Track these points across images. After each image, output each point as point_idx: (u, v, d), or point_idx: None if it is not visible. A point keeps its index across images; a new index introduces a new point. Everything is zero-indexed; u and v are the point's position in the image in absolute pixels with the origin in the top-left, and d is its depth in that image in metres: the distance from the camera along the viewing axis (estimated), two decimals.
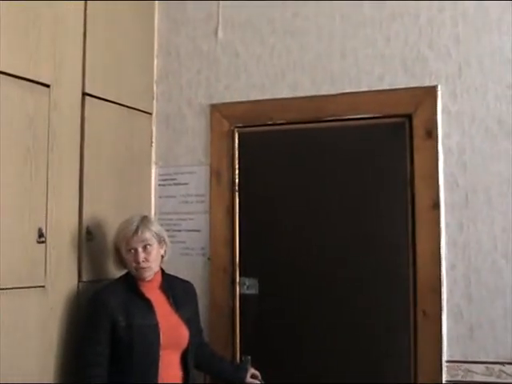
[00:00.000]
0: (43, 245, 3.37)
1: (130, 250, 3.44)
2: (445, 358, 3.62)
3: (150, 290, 3.48)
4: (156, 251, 3.48)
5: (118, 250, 3.53)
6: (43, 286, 3.37)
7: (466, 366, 3.58)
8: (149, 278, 3.48)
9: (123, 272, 3.57)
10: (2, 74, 3.17)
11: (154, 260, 3.47)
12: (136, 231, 3.43)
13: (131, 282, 3.48)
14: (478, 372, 3.56)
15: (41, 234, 3.35)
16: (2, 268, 3.13)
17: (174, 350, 3.44)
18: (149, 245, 3.45)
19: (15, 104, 3.25)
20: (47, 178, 3.41)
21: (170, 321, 3.44)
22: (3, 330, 3.13)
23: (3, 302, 3.14)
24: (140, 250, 3.43)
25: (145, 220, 3.50)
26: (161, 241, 3.53)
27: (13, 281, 3.20)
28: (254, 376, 3.74)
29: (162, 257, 3.55)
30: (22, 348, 3.24)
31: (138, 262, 3.42)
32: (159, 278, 3.55)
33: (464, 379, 3.57)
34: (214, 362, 3.80)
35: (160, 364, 3.35)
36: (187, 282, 3.73)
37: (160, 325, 3.39)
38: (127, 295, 3.43)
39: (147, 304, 3.42)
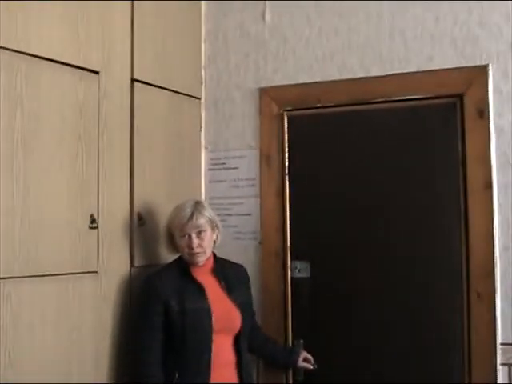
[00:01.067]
0: (95, 231, 3.40)
1: (183, 236, 3.45)
2: (499, 340, 3.58)
3: (202, 275, 3.49)
4: (209, 237, 3.49)
5: (171, 236, 3.55)
6: (96, 272, 3.41)
7: None
8: (201, 263, 3.50)
9: (175, 256, 3.60)
10: (52, 62, 3.20)
11: (207, 246, 3.47)
12: (191, 217, 3.44)
13: (183, 267, 3.50)
14: None
15: (93, 220, 3.38)
16: (56, 254, 3.18)
17: (226, 333, 3.45)
18: (203, 231, 3.45)
19: (66, 91, 3.28)
20: (98, 165, 3.44)
21: (222, 305, 3.45)
22: (57, 316, 3.18)
23: (57, 287, 3.19)
24: (194, 235, 3.43)
25: (198, 206, 3.50)
26: (213, 226, 3.53)
27: (66, 267, 3.24)
28: (306, 360, 3.76)
29: (215, 242, 3.57)
30: (75, 333, 3.28)
31: (192, 248, 3.43)
32: (211, 262, 3.56)
33: None
34: (267, 345, 3.83)
35: (213, 348, 3.36)
36: (240, 265, 3.75)
37: (212, 309, 3.40)
38: (179, 280, 3.45)
39: (199, 288, 3.44)
